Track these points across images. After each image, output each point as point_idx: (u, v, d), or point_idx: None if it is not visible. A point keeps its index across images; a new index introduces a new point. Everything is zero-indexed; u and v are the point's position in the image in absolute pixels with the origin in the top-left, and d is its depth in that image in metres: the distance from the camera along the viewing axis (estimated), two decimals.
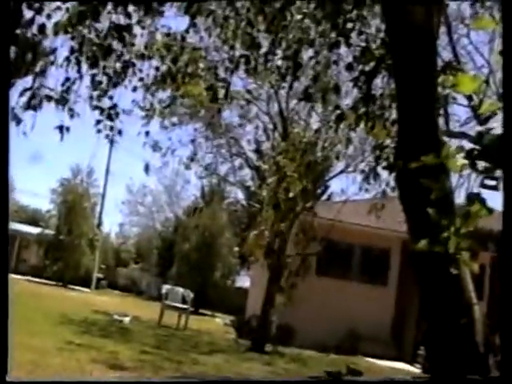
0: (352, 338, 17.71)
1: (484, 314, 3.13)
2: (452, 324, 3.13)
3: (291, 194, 13.36)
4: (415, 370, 14.52)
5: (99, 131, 7.65)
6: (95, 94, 7.42)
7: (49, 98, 7.10)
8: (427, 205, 2.84)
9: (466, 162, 2.45)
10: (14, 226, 37.89)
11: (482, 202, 2.55)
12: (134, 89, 7.66)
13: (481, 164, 2.51)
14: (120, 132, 7.77)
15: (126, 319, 16.16)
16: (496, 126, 2.67)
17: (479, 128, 2.50)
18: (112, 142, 9.21)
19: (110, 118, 7.50)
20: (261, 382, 7.55)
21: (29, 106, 6.80)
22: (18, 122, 6.83)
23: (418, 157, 2.81)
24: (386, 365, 14.98)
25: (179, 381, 8.22)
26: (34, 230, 35.10)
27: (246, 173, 19.79)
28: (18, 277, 30.00)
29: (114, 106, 7.64)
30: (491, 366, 2.74)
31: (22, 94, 6.93)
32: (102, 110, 7.46)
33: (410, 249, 3.43)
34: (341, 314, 18.18)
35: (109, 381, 7.68)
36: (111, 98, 7.60)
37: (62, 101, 7.14)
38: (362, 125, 7.38)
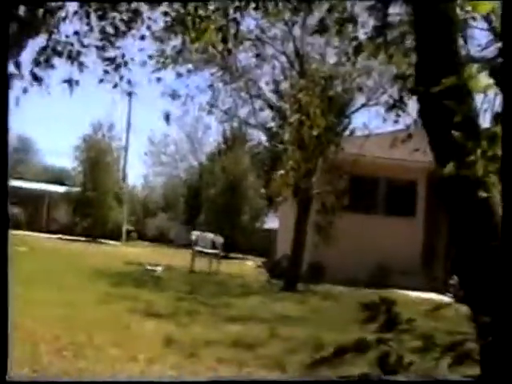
0: (382, 271, 17.82)
1: None
2: (483, 248, 3.11)
3: (315, 132, 13.25)
4: (447, 299, 14.60)
5: (110, 82, 7.60)
6: (104, 44, 7.33)
7: (59, 53, 7.05)
8: (452, 129, 2.78)
9: (489, 81, 2.37)
10: (42, 186, 38.39)
11: None
12: (142, 37, 7.56)
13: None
14: (130, 82, 7.71)
15: (159, 268, 16.41)
16: None
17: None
18: (130, 94, 9.18)
19: (117, 67, 7.43)
20: (260, 382, 7.66)
21: (46, 62, 6.76)
22: (39, 81, 6.81)
23: (439, 80, 2.73)
24: (418, 296, 15.07)
25: (180, 381, 8.30)
26: (61, 189, 35.50)
27: (267, 114, 19.59)
28: (50, 236, 30.57)
29: (122, 56, 7.56)
30: None
31: (40, 54, 6.89)
32: (110, 61, 7.38)
33: (436, 177, 3.37)
34: (370, 247, 18.26)
35: (109, 381, 7.83)
36: (118, 48, 7.52)
37: (72, 55, 7.08)
38: (381, 55, 7.20)
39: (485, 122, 3.09)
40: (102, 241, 31.25)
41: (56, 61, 7.04)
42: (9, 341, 2.49)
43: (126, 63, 7.50)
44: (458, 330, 3.30)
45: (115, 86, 7.83)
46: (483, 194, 2.87)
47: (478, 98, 3.15)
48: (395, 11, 7.52)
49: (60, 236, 30.74)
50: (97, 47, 7.25)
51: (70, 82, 7.03)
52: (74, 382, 7.15)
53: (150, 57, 9.50)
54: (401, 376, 2.63)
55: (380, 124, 13.47)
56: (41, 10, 6.81)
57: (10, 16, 5.73)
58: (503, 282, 2.45)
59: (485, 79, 2.36)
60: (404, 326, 2.82)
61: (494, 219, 3.11)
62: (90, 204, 32.10)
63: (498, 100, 2.71)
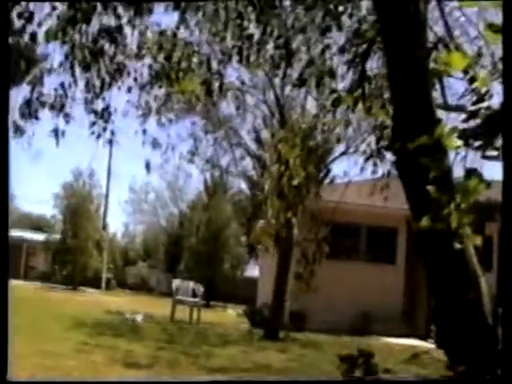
0: (364, 318, 17.82)
1: (491, 285, 3.19)
2: (459, 298, 3.20)
3: (295, 182, 13.38)
4: (429, 345, 14.61)
5: (94, 134, 7.71)
6: (89, 96, 7.47)
7: (43, 104, 7.16)
8: (427, 183, 2.90)
9: (460, 143, 2.51)
10: (20, 233, 38.07)
11: (480, 176, 2.61)
12: (129, 89, 7.71)
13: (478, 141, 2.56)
14: (113, 133, 7.83)
15: (139, 317, 16.27)
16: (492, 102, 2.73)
17: (472, 107, 2.55)
18: (111, 142, 9.27)
19: (103, 118, 7.55)
20: (260, 382, 7.73)
21: (29, 114, 6.86)
22: (21, 132, 6.90)
23: (414, 137, 2.86)
24: (400, 342, 15.09)
25: (180, 381, 8.46)
26: (40, 237, 35.23)
27: (248, 163, 19.82)
28: (28, 283, 30.19)
29: (107, 108, 7.69)
30: (500, 338, 2.81)
31: (27, 104, 6.99)
32: (95, 113, 7.51)
33: (412, 227, 3.49)
34: (352, 295, 18.29)
35: (109, 381, 7.87)
36: (104, 99, 7.65)
37: (57, 106, 7.19)
38: (359, 106, 7.41)
39: (458, 172, 3.23)
40: (82, 289, 30.93)
41: (40, 112, 7.14)
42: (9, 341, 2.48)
43: (110, 114, 7.63)
44: (436, 376, 3.38)
45: (98, 136, 7.94)
46: (458, 246, 2.98)
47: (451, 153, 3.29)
48: (373, 65, 7.78)
49: (39, 284, 30.37)
50: (85, 99, 7.38)
51: (56, 132, 7.13)
52: (74, 381, 7.24)
53: (137, 107, 9.63)
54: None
55: (359, 172, 13.63)
56: (23, 63, 6.94)
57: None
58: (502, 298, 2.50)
59: (457, 140, 2.50)
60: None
61: (470, 270, 3.22)
62: (70, 252, 31.86)
63: (470, 156, 2.86)
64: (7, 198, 2.72)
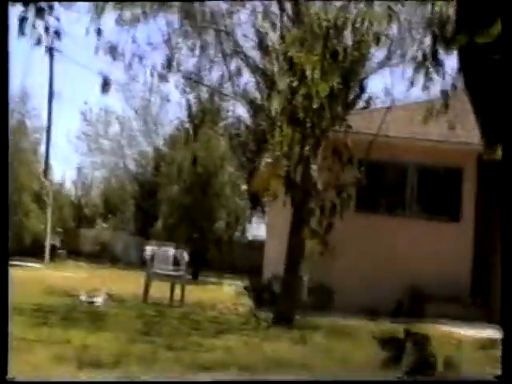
0: (413, 296, 17.88)
1: None
2: None
3: (314, 103, 13.23)
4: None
5: (26, 36, 7.51)
6: None
7: None
8: (501, 89, 2.79)
9: None
10: None
11: None
12: None
13: None
14: (58, 34, 7.64)
15: (99, 299, 16.33)
16: None
17: None
18: (51, 50, 9.09)
19: (39, 13, 7.35)
20: (260, 382, 7.87)
21: None
22: None
23: (485, 27, 2.74)
24: (467, 333, 15.03)
25: (180, 381, 8.65)
26: None
27: (247, 79, 19.57)
28: None
29: None
30: None
31: None
32: (26, 2, 7.30)
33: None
34: (394, 264, 18.31)
35: (108, 381, 8.42)
36: None
37: None
38: None
39: None
40: (16, 262, 31.05)
41: None
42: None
43: (51, 7, 7.42)
44: None
45: (38, 42, 7.76)
46: None
47: None
48: None
49: None
50: None
51: None
52: (74, 382, 8.01)
53: None
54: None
55: (407, 89, 13.36)
56: None
57: None
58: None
59: None
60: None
61: None
62: None
63: None
64: (7, 197, 3.35)
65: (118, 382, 8.45)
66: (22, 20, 7.39)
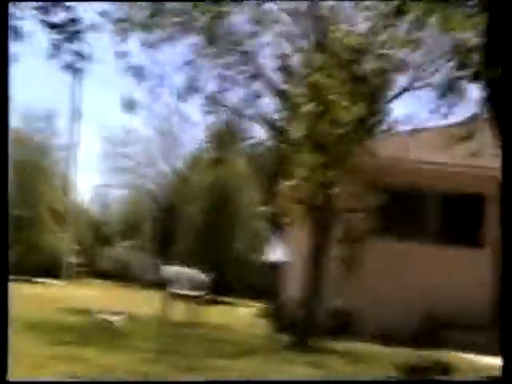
0: (433, 323, 17.78)
1: None
2: None
3: (338, 129, 13.26)
4: None
5: (54, 57, 7.58)
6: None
7: None
8: None
9: None
10: None
11: None
12: None
13: None
14: (82, 55, 7.71)
15: (117, 318, 16.35)
16: None
17: None
18: (77, 70, 9.17)
19: (66, 35, 7.41)
20: (260, 382, 7.82)
21: None
22: None
23: None
24: (489, 362, 14.91)
25: (180, 381, 8.69)
26: None
27: (269, 101, 19.60)
28: None
29: (73, 20, 7.54)
30: None
31: None
32: (55, 27, 7.37)
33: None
34: (416, 290, 18.22)
35: (108, 381, 8.66)
36: (67, 8, 7.49)
37: None
38: (434, 17, 7.22)
39: None
40: (36, 279, 31.09)
41: None
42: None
43: (77, 31, 7.50)
44: None
45: (68, 66, 7.83)
46: None
47: None
48: None
49: None
50: (39, 8, 7.26)
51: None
52: (74, 381, 8.24)
53: (117, 20, 9.49)
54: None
55: (430, 115, 13.40)
56: None
57: None
58: None
59: None
60: None
61: None
62: (17, 226, 31.91)
63: None
64: (7, 197, 3.37)
65: (118, 381, 8.70)
66: (55, 46, 7.47)
